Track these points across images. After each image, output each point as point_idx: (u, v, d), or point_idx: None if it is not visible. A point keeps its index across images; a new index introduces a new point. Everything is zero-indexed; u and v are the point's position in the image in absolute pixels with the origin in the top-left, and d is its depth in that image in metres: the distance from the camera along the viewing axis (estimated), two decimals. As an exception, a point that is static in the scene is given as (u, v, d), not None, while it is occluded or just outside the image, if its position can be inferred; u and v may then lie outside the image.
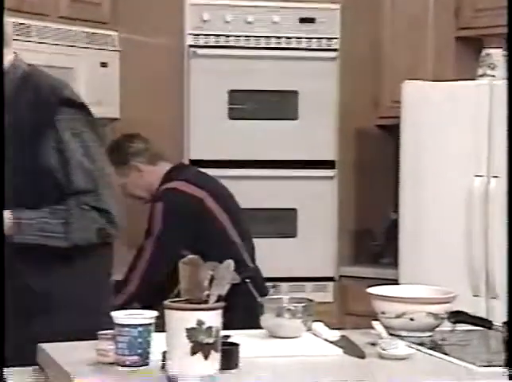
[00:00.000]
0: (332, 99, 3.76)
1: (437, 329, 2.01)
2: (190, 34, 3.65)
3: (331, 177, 3.78)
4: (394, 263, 3.58)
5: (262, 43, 3.71)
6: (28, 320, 1.96)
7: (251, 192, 3.61)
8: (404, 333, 1.96)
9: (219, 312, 1.56)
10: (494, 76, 3.46)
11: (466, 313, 2.04)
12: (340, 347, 1.87)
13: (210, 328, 1.53)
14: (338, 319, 3.61)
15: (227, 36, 3.68)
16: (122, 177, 3.18)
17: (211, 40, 3.66)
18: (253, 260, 3.06)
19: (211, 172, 3.27)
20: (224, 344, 1.63)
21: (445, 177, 3.40)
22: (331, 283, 3.80)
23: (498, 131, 3.20)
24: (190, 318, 1.53)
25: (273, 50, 3.71)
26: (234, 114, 3.69)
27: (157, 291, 2.85)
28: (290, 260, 3.72)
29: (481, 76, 3.49)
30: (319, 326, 2.00)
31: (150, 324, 1.67)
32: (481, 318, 2.07)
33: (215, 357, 1.56)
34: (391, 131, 3.82)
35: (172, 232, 2.91)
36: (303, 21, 3.74)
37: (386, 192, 3.87)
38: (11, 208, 1.93)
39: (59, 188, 1.96)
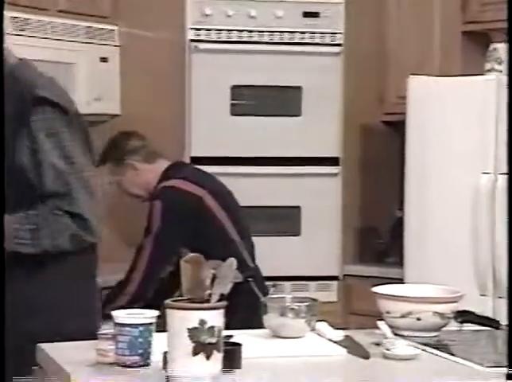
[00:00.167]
0: (336, 95, 3.76)
1: (444, 329, 2.00)
2: (191, 28, 3.64)
3: (335, 175, 3.78)
4: (399, 262, 3.58)
5: (265, 38, 3.70)
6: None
7: (254, 189, 3.61)
8: (409, 333, 1.96)
9: (222, 311, 1.56)
10: (501, 71, 3.45)
11: (473, 313, 2.04)
12: (344, 347, 1.87)
13: (212, 328, 1.53)
14: (342, 319, 3.61)
15: (229, 30, 3.67)
16: (118, 175, 3.19)
17: (213, 35, 3.66)
18: (253, 259, 3.06)
19: (212, 169, 3.28)
20: (227, 344, 1.63)
21: (451, 175, 3.39)
22: (335, 282, 3.80)
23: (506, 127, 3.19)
24: (192, 318, 1.53)
25: (277, 45, 3.71)
26: (236, 110, 3.69)
27: (158, 290, 2.86)
28: (293, 259, 3.72)
29: (488, 71, 3.49)
30: (323, 326, 2.00)
31: (151, 323, 1.67)
32: (488, 318, 2.07)
33: (218, 358, 1.56)
34: (396, 128, 3.82)
35: (171, 230, 2.91)
36: (307, 15, 3.73)
37: (391, 189, 3.87)
38: None
39: (33, 189, 1.93)
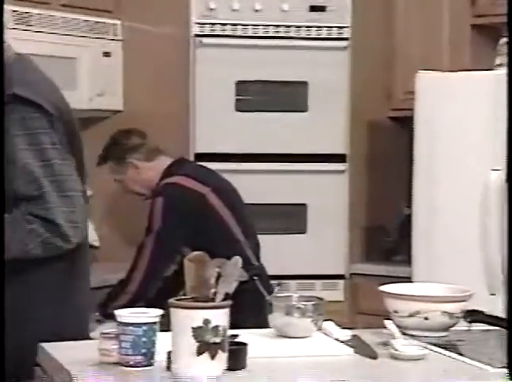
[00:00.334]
0: (343, 91, 3.76)
1: (452, 328, 2.00)
2: (196, 23, 3.64)
3: (342, 172, 3.77)
4: (407, 260, 3.57)
5: (271, 32, 3.70)
6: None
7: (259, 186, 3.61)
8: (417, 333, 1.96)
9: (226, 310, 1.57)
10: (512, 65, 3.44)
11: (482, 313, 2.03)
12: (351, 347, 1.87)
13: (217, 327, 1.54)
14: (349, 318, 3.61)
15: (234, 24, 3.67)
16: (120, 174, 3.21)
17: (218, 29, 3.66)
18: (257, 258, 3.06)
19: (216, 166, 3.28)
20: (232, 343, 1.63)
21: (461, 171, 3.38)
22: (341, 281, 3.80)
23: (516, 123, 3.18)
24: (196, 317, 1.53)
25: (282, 39, 3.70)
26: (241, 106, 3.69)
27: (162, 289, 2.87)
28: (299, 257, 3.72)
29: (499, 65, 3.47)
30: (329, 325, 2.00)
31: (155, 323, 1.67)
32: (498, 318, 2.06)
33: (222, 357, 1.56)
34: (404, 124, 3.81)
35: (173, 228, 2.91)
36: (313, 9, 3.73)
37: (399, 186, 3.87)
38: None
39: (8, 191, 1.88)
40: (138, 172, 3.16)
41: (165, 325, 1.63)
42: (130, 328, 1.65)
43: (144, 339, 1.65)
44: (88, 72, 3.53)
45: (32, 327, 1.92)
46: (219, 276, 1.59)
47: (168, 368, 1.63)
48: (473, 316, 2.01)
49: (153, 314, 1.68)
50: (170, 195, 2.96)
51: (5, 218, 1.88)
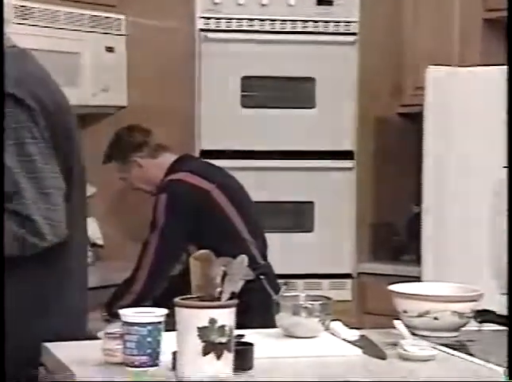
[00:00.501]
0: (351, 86, 3.75)
1: (463, 328, 2.00)
2: (201, 17, 3.64)
3: (350, 169, 3.78)
4: (416, 260, 3.57)
5: (277, 26, 3.70)
6: None
7: (265, 184, 3.62)
8: (427, 333, 1.96)
9: (233, 310, 1.57)
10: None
11: (493, 312, 2.03)
12: (359, 347, 1.87)
13: (223, 327, 1.54)
14: (357, 318, 3.61)
15: (240, 19, 3.67)
16: (124, 172, 3.22)
17: (223, 24, 3.66)
18: (264, 257, 3.06)
19: (222, 163, 3.28)
20: (238, 343, 1.63)
21: (471, 169, 3.38)
22: (349, 280, 3.80)
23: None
24: (202, 317, 1.53)
25: (289, 34, 3.70)
26: (247, 102, 3.69)
27: (168, 289, 2.87)
28: (306, 256, 3.72)
29: (510, 60, 3.47)
30: (337, 325, 2.00)
31: (160, 322, 1.68)
32: (509, 318, 2.06)
33: (228, 358, 1.56)
34: (414, 120, 3.81)
35: (177, 224, 2.92)
36: (320, 3, 3.73)
37: (408, 184, 3.87)
38: None
39: None
40: (142, 170, 3.17)
41: (171, 324, 1.64)
42: (135, 327, 1.65)
43: (149, 339, 1.65)
44: (91, 67, 3.54)
45: (16, 328, 1.92)
46: (224, 275, 1.59)
47: (174, 368, 1.63)
48: (483, 316, 2.01)
49: (158, 314, 1.69)
50: (174, 191, 2.97)
51: None
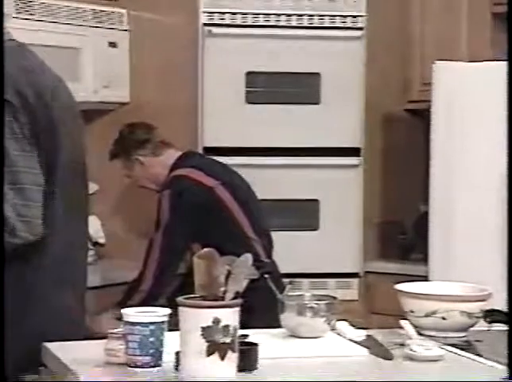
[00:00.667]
0: (357, 82, 3.75)
1: (471, 329, 2.00)
2: (204, 12, 3.64)
3: (356, 166, 3.77)
4: (424, 259, 3.57)
5: (283, 21, 3.69)
6: None
7: (270, 181, 3.61)
8: (435, 333, 1.96)
9: (237, 309, 1.57)
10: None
11: (502, 312, 2.03)
12: (366, 347, 1.87)
13: (227, 326, 1.54)
14: (363, 318, 3.60)
15: (245, 14, 3.67)
16: (129, 169, 3.25)
17: (228, 18, 3.66)
18: (269, 255, 3.06)
19: (226, 160, 3.28)
20: (242, 344, 1.63)
21: (480, 166, 3.38)
22: (355, 280, 3.80)
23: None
24: (205, 316, 1.53)
25: (294, 29, 3.70)
26: (251, 98, 3.69)
27: (181, 287, 2.87)
28: (311, 255, 3.72)
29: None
30: (343, 325, 2.00)
31: (163, 322, 1.68)
32: (509, 317, 2.05)
33: (233, 358, 1.56)
34: (421, 116, 3.81)
35: (180, 221, 2.93)
36: (326, -3, 3.73)
37: (416, 181, 3.86)
38: None
39: None
40: (145, 168, 3.19)
41: (176, 324, 1.64)
42: (138, 327, 1.66)
43: (151, 339, 1.66)
44: (93, 63, 3.54)
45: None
46: (228, 274, 1.59)
47: (177, 368, 1.63)
48: (493, 316, 2.01)
49: (161, 313, 1.69)
50: (177, 187, 2.98)
51: None
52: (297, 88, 3.74)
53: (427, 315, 1.97)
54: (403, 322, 1.95)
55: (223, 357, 1.54)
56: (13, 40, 2.04)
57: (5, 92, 1.91)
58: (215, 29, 3.63)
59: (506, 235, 3.28)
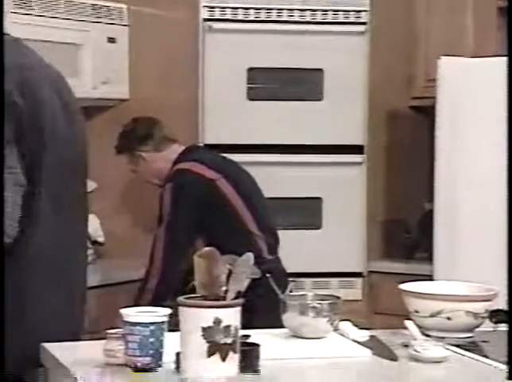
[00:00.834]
0: (361, 78, 3.75)
1: (477, 329, 2.00)
2: (205, 7, 3.64)
3: (359, 163, 3.77)
4: (429, 258, 3.57)
5: (284, 16, 3.69)
6: None
7: (271, 179, 3.61)
8: (439, 334, 1.96)
9: (238, 309, 1.57)
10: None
11: (509, 312, 2.03)
12: (370, 348, 1.87)
13: (228, 327, 1.54)
14: (367, 318, 3.60)
15: (246, 8, 3.67)
16: (133, 165, 3.28)
17: (229, 14, 3.66)
18: (273, 252, 3.06)
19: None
20: (243, 344, 1.63)
21: (485, 163, 3.37)
22: (359, 279, 3.80)
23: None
24: (206, 316, 1.53)
25: (297, 24, 3.70)
26: (253, 95, 3.69)
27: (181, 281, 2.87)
28: (314, 254, 3.72)
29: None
30: (346, 326, 2.00)
31: (163, 322, 1.68)
32: (509, 317, 2.05)
33: (234, 359, 1.56)
34: (426, 113, 3.80)
35: (182, 214, 2.96)
36: (329, -9, 3.73)
37: (420, 179, 3.86)
38: None
39: None
40: (148, 163, 3.22)
41: (176, 324, 1.64)
42: (137, 328, 1.66)
43: (151, 339, 1.66)
44: (92, 58, 3.54)
45: None
46: (230, 273, 1.59)
47: (177, 369, 1.63)
48: (499, 316, 2.01)
49: (161, 313, 1.69)
50: (179, 181, 3.01)
51: None
52: (300, 85, 3.74)
53: (432, 315, 1.97)
54: (407, 323, 1.94)
55: (224, 358, 1.54)
56: (8, 34, 2.03)
57: None
58: (215, 25, 3.63)
59: (506, 235, 3.28)
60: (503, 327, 2.02)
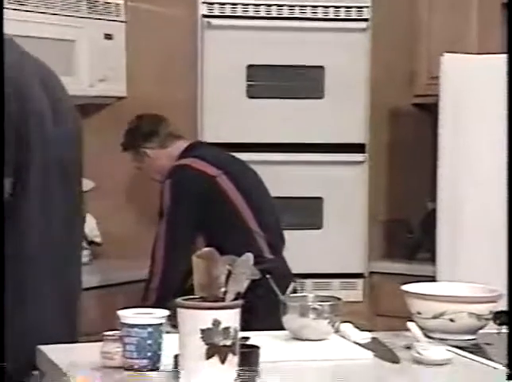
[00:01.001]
0: (362, 76, 3.75)
1: (480, 331, 2.00)
2: (204, 3, 3.64)
3: (361, 162, 3.77)
4: (431, 258, 3.57)
5: (285, 12, 3.69)
6: None
7: (271, 178, 3.59)
8: (442, 336, 1.96)
9: (237, 311, 1.57)
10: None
11: (509, 313, 2.03)
12: (371, 350, 1.87)
13: (227, 328, 1.54)
14: (368, 320, 3.61)
15: (245, 4, 3.67)
16: (138, 162, 3.29)
17: (228, 10, 3.66)
18: (274, 252, 3.06)
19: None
20: (243, 346, 1.63)
21: (489, 162, 3.37)
22: (360, 280, 3.80)
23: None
24: (205, 318, 1.53)
25: (297, 20, 3.70)
26: (252, 92, 3.69)
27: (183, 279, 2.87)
28: (315, 254, 3.72)
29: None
30: (347, 327, 2.00)
31: (161, 324, 1.68)
32: (509, 317, 2.05)
33: (233, 361, 1.56)
34: (429, 111, 3.80)
35: (182, 209, 2.98)
36: (330, -13, 3.73)
37: (423, 178, 3.86)
38: None
39: None
40: (152, 160, 3.24)
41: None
42: (135, 329, 1.66)
43: (149, 341, 1.66)
44: (88, 55, 3.54)
45: None
46: (229, 274, 1.59)
47: (176, 372, 1.63)
48: (503, 318, 2.01)
49: (159, 315, 1.69)
50: (179, 176, 3.03)
51: None
52: (300, 82, 3.74)
53: (434, 317, 1.97)
54: (410, 324, 1.95)
55: (223, 361, 1.54)
56: None
57: None
58: (214, 21, 3.63)
59: (506, 235, 3.28)
60: (507, 329, 2.02)
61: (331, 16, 3.72)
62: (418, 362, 1.79)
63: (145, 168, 3.29)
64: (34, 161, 1.98)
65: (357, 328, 2.01)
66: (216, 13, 3.65)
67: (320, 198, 3.76)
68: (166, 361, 1.68)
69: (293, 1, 3.70)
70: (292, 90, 3.73)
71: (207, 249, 1.63)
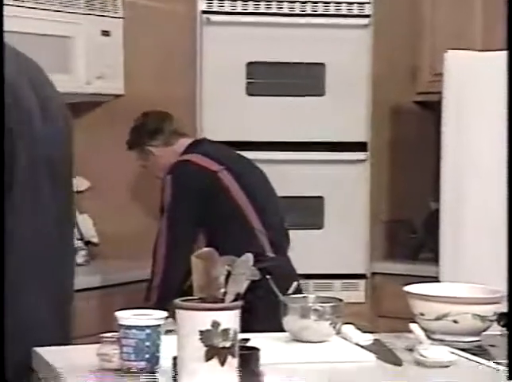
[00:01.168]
0: (364, 73, 3.75)
1: (484, 333, 2.00)
2: (203, -2, 3.65)
3: (362, 161, 3.77)
4: (434, 259, 3.57)
5: (285, 8, 3.70)
6: None
7: (271, 177, 3.59)
8: (445, 337, 1.96)
9: (237, 312, 1.57)
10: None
11: (509, 313, 2.03)
12: (373, 352, 1.87)
13: (226, 330, 1.54)
14: (370, 321, 3.61)
15: (245, 0, 3.67)
16: (143, 160, 3.31)
17: (227, 6, 3.66)
18: (276, 251, 3.07)
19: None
20: (243, 348, 1.63)
21: (492, 161, 3.37)
22: (362, 281, 3.80)
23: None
24: (204, 319, 1.54)
25: (298, 17, 3.70)
26: (252, 90, 3.69)
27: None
28: (316, 255, 3.72)
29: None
30: (349, 329, 2.00)
31: (159, 325, 1.68)
32: (509, 318, 2.05)
33: (233, 363, 1.56)
34: (431, 108, 3.80)
35: (183, 205, 2.99)
36: (331, -17, 3.73)
37: (426, 177, 3.86)
38: None
39: None
40: (157, 158, 3.24)
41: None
42: (133, 331, 1.66)
43: (147, 343, 1.66)
44: (85, 52, 3.54)
45: None
46: (228, 274, 1.59)
47: (174, 374, 1.63)
48: (507, 319, 2.01)
49: (157, 316, 1.69)
50: (179, 171, 3.05)
51: None
52: (301, 79, 3.75)
53: (437, 318, 1.97)
54: (412, 326, 1.95)
55: (222, 363, 1.54)
56: None
57: None
58: (213, 17, 3.63)
59: (506, 235, 3.28)
60: (507, 329, 2.02)
61: (333, 12, 3.72)
62: (421, 364, 1.79)
63: (150, 166, 3.30)
64: (20, 164, 1.95)
65: (359, 329, 2.01)
66: (215, 9, 3.65)
67: (320, 197, 3.76)
68: (165, 363, 1.68)
69: (294, -4, 3.70)
70: (293, 87, 3.73)
71: (206, 249, 1.63)
